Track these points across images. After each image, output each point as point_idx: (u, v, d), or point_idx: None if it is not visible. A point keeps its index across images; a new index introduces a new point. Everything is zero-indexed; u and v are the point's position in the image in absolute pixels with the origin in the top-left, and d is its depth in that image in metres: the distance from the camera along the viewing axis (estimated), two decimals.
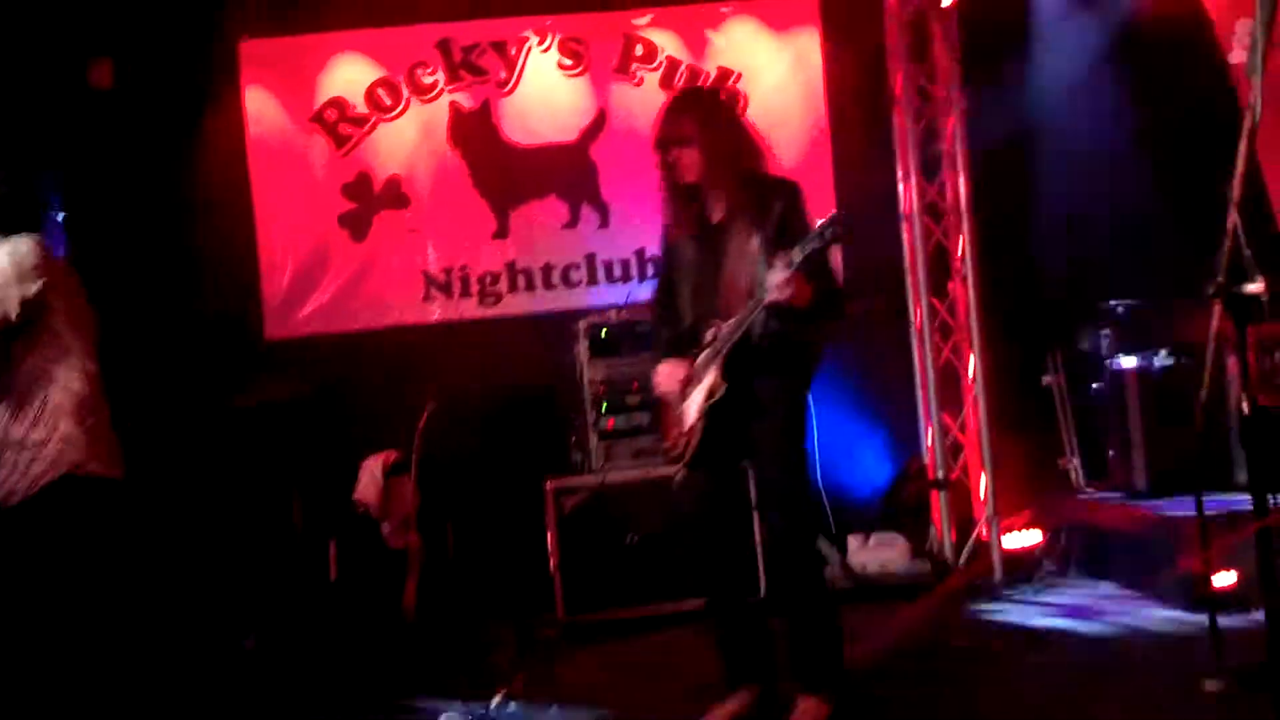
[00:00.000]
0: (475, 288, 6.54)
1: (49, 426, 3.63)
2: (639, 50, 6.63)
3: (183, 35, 6.23)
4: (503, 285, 6.55)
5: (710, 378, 3.78)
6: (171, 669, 4.96)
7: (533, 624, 5.53)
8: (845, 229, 3.49)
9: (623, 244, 6.55)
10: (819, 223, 3.50)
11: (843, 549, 6.02)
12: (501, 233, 6.55)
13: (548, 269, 6.57)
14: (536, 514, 5.62)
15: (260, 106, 6.40)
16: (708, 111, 3.98)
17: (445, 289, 6.53)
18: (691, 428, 3.85)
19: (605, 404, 5.72)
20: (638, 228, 6.42)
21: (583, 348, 5.81)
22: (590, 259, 6.58)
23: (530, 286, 6.56)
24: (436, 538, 5.69)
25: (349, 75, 6.46)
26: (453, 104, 6.52)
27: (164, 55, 6.21)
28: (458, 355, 6.34)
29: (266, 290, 6.41)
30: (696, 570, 4.08)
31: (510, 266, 6.55)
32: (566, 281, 6.55)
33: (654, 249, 5.81)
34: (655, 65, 6.63)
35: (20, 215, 3.75)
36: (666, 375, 3.95)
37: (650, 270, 6.36)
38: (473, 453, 6.08)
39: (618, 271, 6.57)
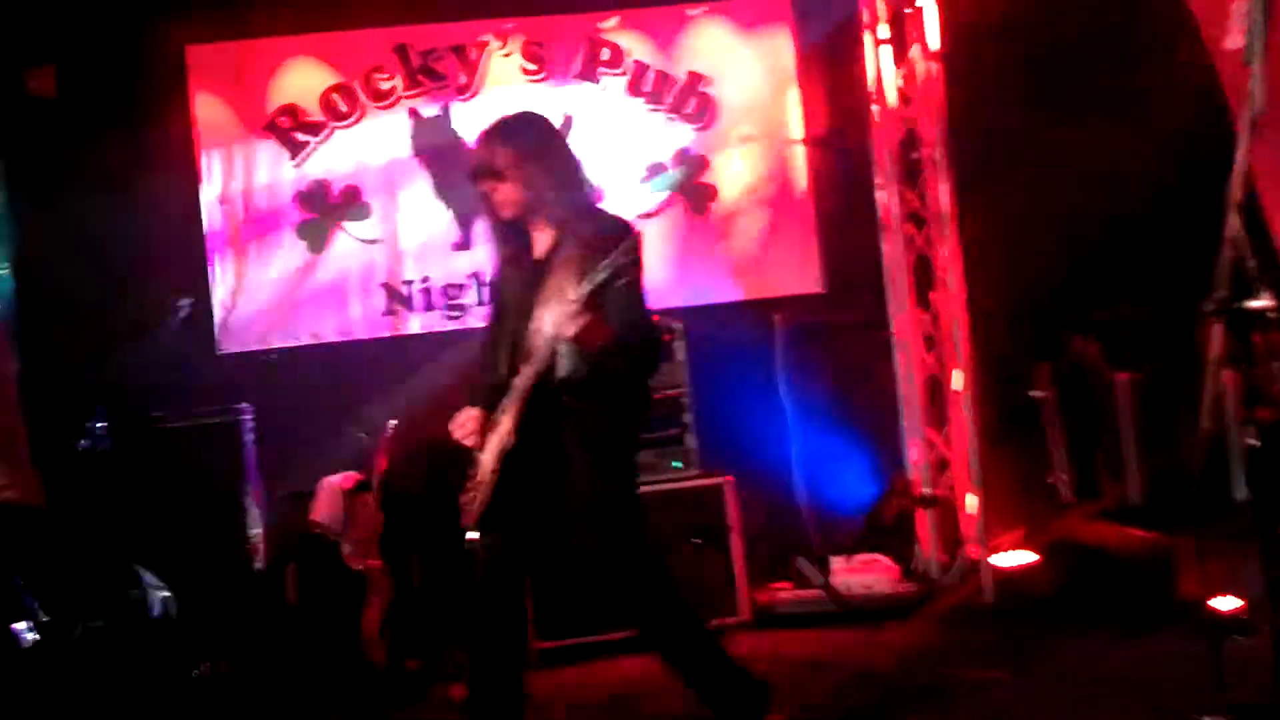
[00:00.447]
0: (439, 300, 6.29)
1: None
2: (605, 54, 6.38)
3: (127, 41, 5.96)
4: (468, 297, 6.29)
5: (502, 428, 3.39)
6: (119, 698, 4.77)
7: None
8: (632, 258, 3.16)
9: None
10: (612, 253, 3.11)
11: (826, 569, 5.80)
12: (465, 243, 6.30)
13: None
14: None
15: (210, 114, 6.15)
16: (526, 142, 3.51)
17: (407, 302, 6.28)
18: (483, 483, 3.45)
19: None
20: None
21: None
22: None
23: None
24: (401, 567, 5.44)
25: (303, 81, 6.20)
26: (412, 110, 6.27)
27: (108, 62, 5.95)
28: (421, 370, 6.07)
29: (219, 303, 6.15)
30: (469, 628, 3.68)
31: (476, 278, 6.28)
32: None
33: None
34: (622, 69, 6.39)
35: None
36: (460, 423, 3.55)
37: None
38: (438, 472, 5.84)
39: None
